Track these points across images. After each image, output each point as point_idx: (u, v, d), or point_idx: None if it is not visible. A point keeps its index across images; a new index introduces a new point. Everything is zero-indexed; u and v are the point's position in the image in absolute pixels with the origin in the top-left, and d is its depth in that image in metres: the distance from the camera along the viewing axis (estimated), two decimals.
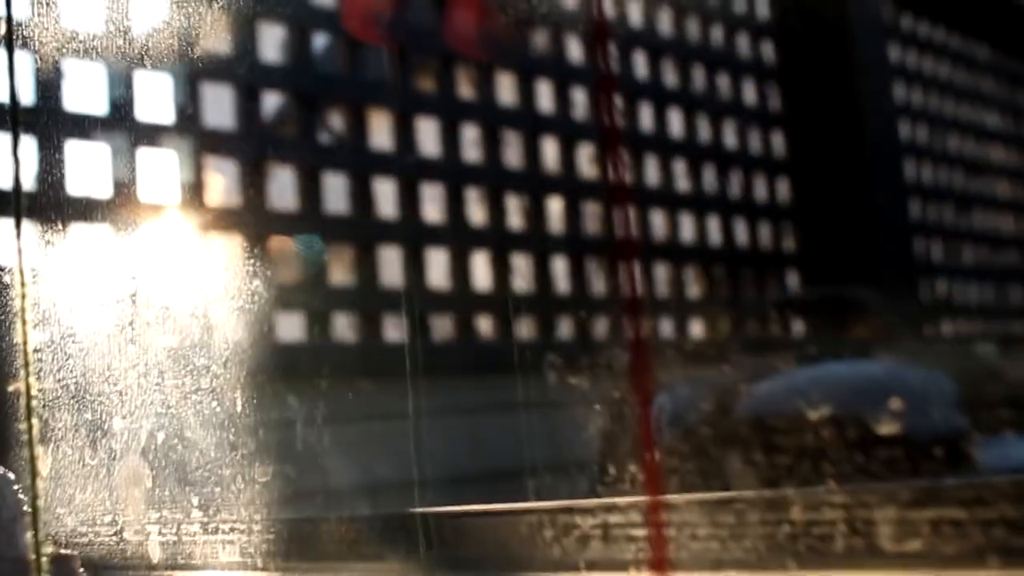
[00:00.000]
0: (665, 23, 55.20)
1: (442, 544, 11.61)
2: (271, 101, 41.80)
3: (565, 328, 47.08)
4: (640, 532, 9.59)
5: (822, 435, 16.33)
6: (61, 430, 13.16)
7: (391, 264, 42.70)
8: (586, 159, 49.75)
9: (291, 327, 38.74)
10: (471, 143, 46.53)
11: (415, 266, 42.93)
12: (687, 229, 53.68)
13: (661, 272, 51.14)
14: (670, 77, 54.70)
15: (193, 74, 37.69)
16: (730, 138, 57.20)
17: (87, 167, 33.47)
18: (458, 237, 44.25)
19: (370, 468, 27.78)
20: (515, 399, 26.03)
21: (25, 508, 9.41)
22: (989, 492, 8.12)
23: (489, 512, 11.81)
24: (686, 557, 9.29)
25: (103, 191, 34.05)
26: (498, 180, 46.37)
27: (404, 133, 44.08)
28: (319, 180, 41.40)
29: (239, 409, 14.26)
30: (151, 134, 36.52)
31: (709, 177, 55.53)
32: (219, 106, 39.37)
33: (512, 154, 47.79)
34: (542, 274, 47.15)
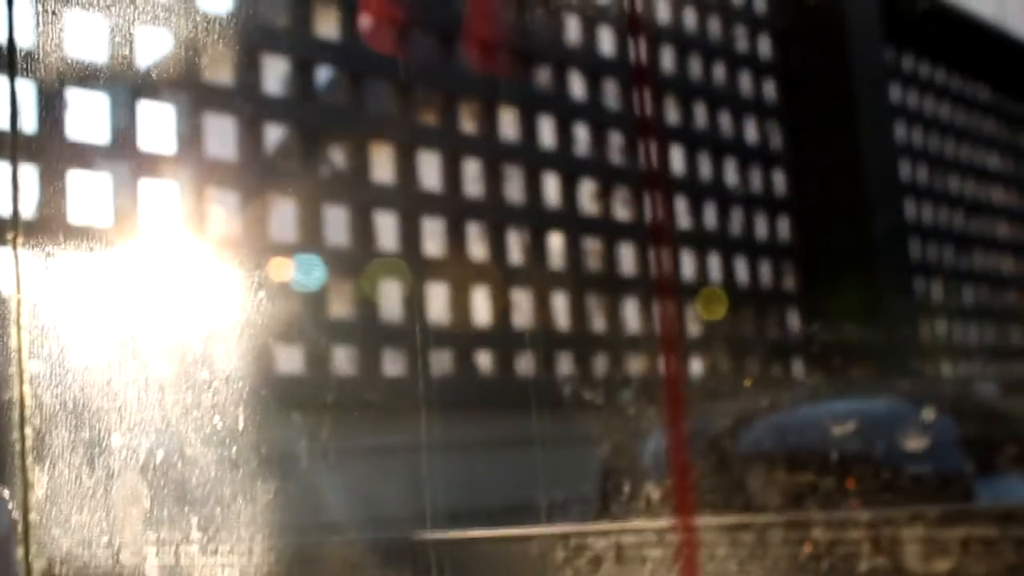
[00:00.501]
0: (668, 60, 55.47)
1: (452, 570, 11.50)
2: (273, 133, 41.97)
3: (567, 363, 47.01)
4: (655, 553, 9.49)
5: (819, 474, 16.19)
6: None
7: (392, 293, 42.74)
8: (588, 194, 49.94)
9: (291, 358, 38.67)
10: (472, 178, 46.70)
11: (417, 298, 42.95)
12: (688, 265, 53.73)
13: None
14: (672, 113, 54.91)
15: (195, 104, 37.86)
16: (731, 177, 57.33)
17: (87, 196, 33.54)
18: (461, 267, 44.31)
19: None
20: (520, 434, 25.90)
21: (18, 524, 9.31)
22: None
23: (499, 538, 11.71)
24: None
25: (103, 220, 34.10)
26: (500, 215, 46.49)
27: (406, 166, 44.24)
28: (320, 212, 41.50)
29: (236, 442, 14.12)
30: (152, 163, 36.63)
31: (710, 215, 55.63)
32: (222, 136, 39.53)
33: (513, 189, 47.95)
34: (542, 309, 47.16)
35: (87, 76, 33.94)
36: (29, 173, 28.13)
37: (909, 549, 8.44)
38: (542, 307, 47.06)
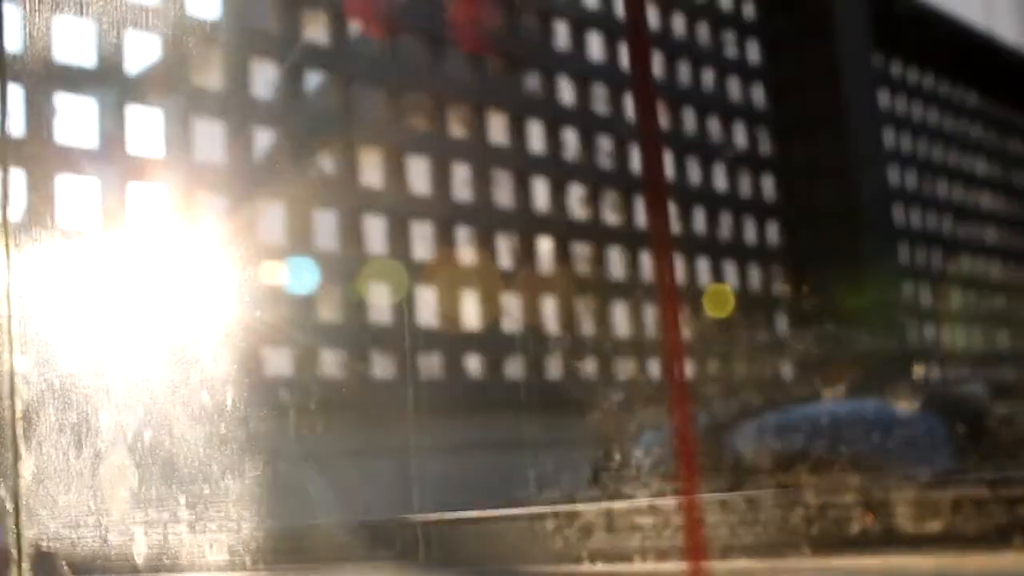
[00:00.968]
0: (657, 66, 55.51)
1: (440, 548, 11.58)
2: (262, 137, 41.90)
3: (555, 367, 47.01)
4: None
5: (809, 473, 16.24)
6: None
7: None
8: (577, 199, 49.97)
9: (279, 361, 38.60)
10: (462, 182, 46.66)
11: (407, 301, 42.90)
12: (678, 269, 53.74)
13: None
14: (661, 118, 54.96)
15: (184, 109, 37.82)
16: (720, 182, 57.38)
17: (75, 199, 33.49)
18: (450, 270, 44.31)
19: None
20: (508, 436, 25.93)
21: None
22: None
23: (484, 518, 11.82)
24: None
25: (91, 221, 34.03)
26: (489, 220, 46.49)
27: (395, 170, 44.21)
28: (311, 217, 41.44)
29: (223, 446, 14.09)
30: (141, 167, 36.56)
31: (699, 223, 55.67)
32: (210, 141, 39.45)
33: (503, 194, 47.95)
34: (532, 312, 47.15)
35: (76, 80, 33.93)
36: (17, 177, 28.08)
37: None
38: (532, 310, 47.05)
